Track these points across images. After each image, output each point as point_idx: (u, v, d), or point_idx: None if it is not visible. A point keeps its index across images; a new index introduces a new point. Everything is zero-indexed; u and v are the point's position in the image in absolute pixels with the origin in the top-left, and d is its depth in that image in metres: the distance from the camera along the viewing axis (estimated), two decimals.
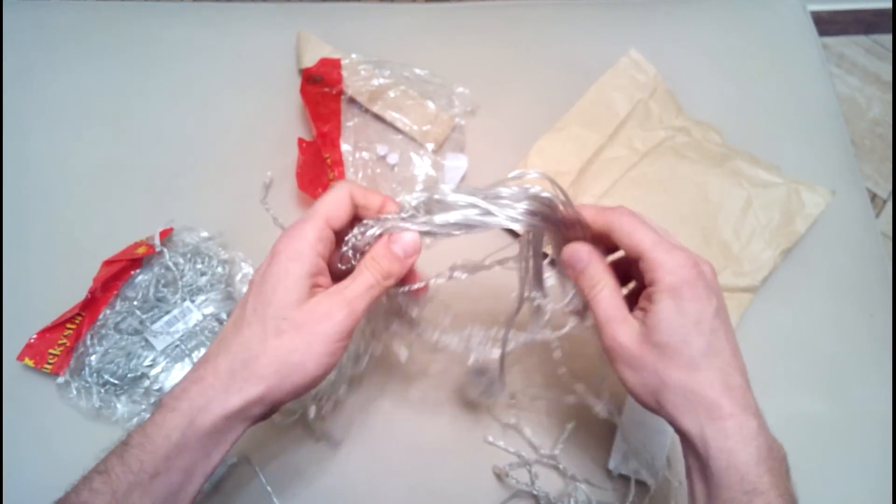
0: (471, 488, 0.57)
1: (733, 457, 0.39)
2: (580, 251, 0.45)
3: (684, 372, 0.41)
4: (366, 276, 0.44)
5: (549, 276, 0.49)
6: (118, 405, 0.55)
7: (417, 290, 0.49)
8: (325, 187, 0.64)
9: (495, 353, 0.51)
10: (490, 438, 0.58)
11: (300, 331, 0.41)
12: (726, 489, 0.39)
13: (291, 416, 0.56)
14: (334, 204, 0.45)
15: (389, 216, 0.46)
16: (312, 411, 0.54)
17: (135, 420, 0.55)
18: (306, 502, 0.56)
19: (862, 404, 0.64)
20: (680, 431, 0.41)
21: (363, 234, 0.45)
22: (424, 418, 0.60)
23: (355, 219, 0.47)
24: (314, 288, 0.43)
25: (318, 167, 0.65)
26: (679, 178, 0.67)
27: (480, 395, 0.55)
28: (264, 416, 0.42)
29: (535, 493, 0.56)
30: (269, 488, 0.55)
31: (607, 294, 0.44)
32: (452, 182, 0.69)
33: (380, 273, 0.44)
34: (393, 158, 0.68)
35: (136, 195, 0.66)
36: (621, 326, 0.43)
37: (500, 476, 0.57)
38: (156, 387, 0.56)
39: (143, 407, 0.55)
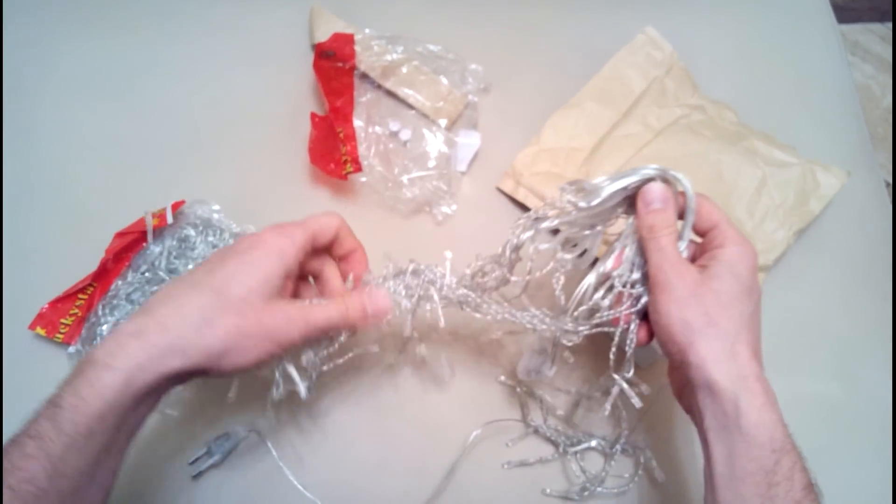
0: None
1: (764, 414, 0.40)
2: (666, 191, 0.45)
3: (733, 323, 0.42)
4: (332, 312, 0.45)
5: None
6: None
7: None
8: (338, 162, 0.64)
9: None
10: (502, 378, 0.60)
11: (260, 322, 0.41)
12: (756, 447, 0.39)
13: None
14: (325, 225, 0.47)
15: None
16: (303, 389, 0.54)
17: None
18: (317, 473, 0.56)
19: (873, 387, 0.64)
20: (706, 380, 0.41)
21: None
22: (431, 391, 0.60)
23: (322, 252, 0.49)
24: (282, 290, 0.44)
25: (330, 142, 0.65)
26: (693, 156, 0.66)
27: (530, 372, 0.55)
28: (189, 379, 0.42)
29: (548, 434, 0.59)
30: (280, 463, 0.55)
31: (674, 239, 0.45)
32: (465, 159, 0.69)
33: (344, 316, 0.46)
34: (405, 135, 0.68)
35: (149, 168, 0.66)
36: (684, 264, 0.44)
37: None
38: None
39: None
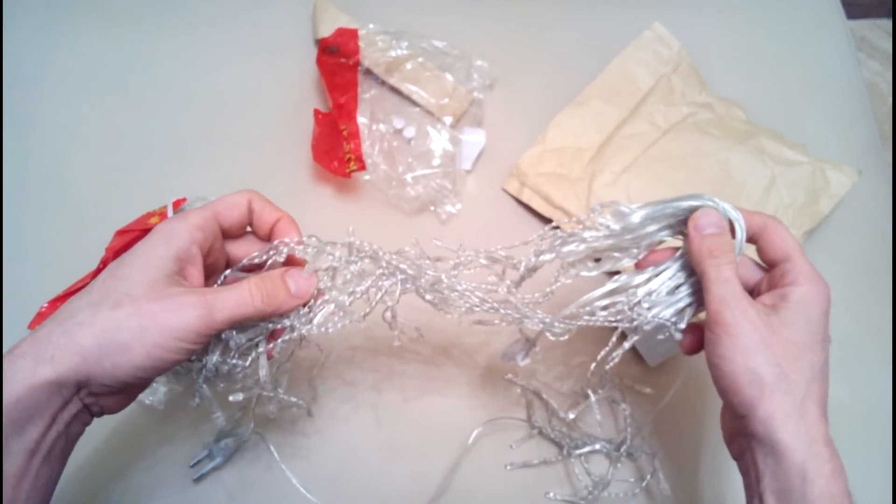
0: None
1: (832, 484, 0.37)
2: (721, 218, 0.42)
3: (804, 377, 0.38)
4: (243, 291, 0.39)
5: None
6: None
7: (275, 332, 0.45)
8: (341, 160, 0.63)
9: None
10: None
11: (139, 311, 0.36)
12: None
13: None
14: (228, 201, 0.43)
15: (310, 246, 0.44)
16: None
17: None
18: (319, 474, 0.55)
19: (881, 389, 0.63)
20: (772, 439, 0.38)
21: (277, 252, 0.44)
22: (434, 390, 0.59)
23: (246, 235, 0.45)
24: (179, 277, 0.39)
25: (333, 139, 0.64)
26: (701, 156, 0.65)
27: (506, 357, 0.53)
28: (93, 400, 0.38)
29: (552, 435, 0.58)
30: (283, 465, 0.55)
31: (734, 269, 0.41)
32: (470, 157, 0.68)
33: (261, 294, 0.40)
34: (410, 132, 0.67)
35: (150, 165, 0.66)
36: (751, 305, 0.40)
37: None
38: None
39: None
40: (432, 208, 0.66)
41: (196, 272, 0.40)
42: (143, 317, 0.36)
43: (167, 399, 0.55)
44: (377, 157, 0.65)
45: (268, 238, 0.45)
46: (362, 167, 0.63)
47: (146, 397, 0.55)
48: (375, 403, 0.59)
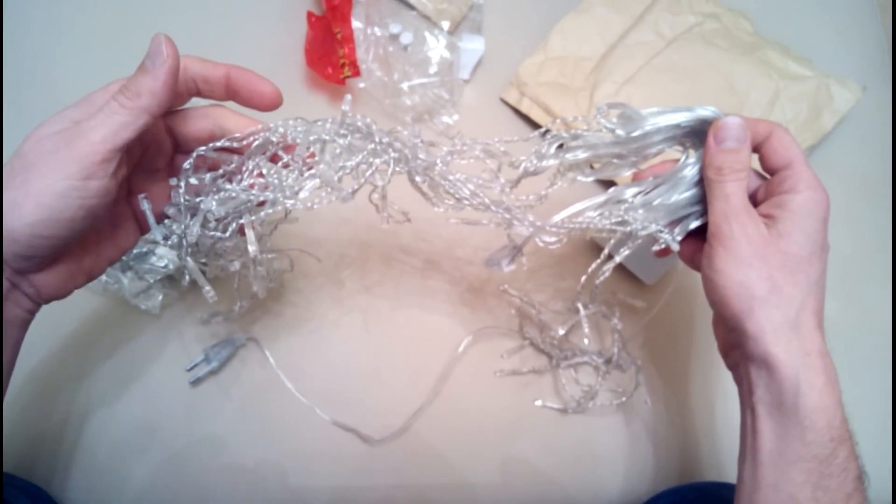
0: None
1: (825, 397, 0.36)
2: (744, 130, 0.39)
3: (799, 289, 0.37)
4: (110, 102, 0.35)
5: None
6: (124, 280, 0.54)
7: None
8: (335, 65, 0.61)
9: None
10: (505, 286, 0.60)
11: (25, 167, 0.34)
12: (811, 431, 0.36)
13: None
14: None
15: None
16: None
17: (140, 295, 0.55)
18: (313, 379, 0.56)
19: (874, 306, 0.64)
20: (764, 354, 0.37)
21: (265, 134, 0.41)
22: (428, 300, 0.60)
23: (190, 94, 0.41)
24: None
25: (327, 43, 0.62)
26: (705, 67, 0.64)
27: (491, 262, 0.51)
28: (21, 279, 0.37)
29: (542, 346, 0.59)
30: (277, 370, 0.56)
31: (743, 185, 0.39)
32: (468, 66, 0.66)
33: (125, 92, 0.36)
34: (406, 38, 0.65)
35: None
36: (752, 219, 0.39)
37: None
38: (161, 264, 0.55)
39: (149, 283, 0.55)
40: (428, 118, 0.64)
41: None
42: (26, 171, 0.34)
43: (163, 304, 0.56)
44: (372, 64, 0.63)
45: (225, 96, 0.41)
46: (357, 73, 0.61)
47: (141, 303, 0.55)
48: (365, 308, 0.59)
